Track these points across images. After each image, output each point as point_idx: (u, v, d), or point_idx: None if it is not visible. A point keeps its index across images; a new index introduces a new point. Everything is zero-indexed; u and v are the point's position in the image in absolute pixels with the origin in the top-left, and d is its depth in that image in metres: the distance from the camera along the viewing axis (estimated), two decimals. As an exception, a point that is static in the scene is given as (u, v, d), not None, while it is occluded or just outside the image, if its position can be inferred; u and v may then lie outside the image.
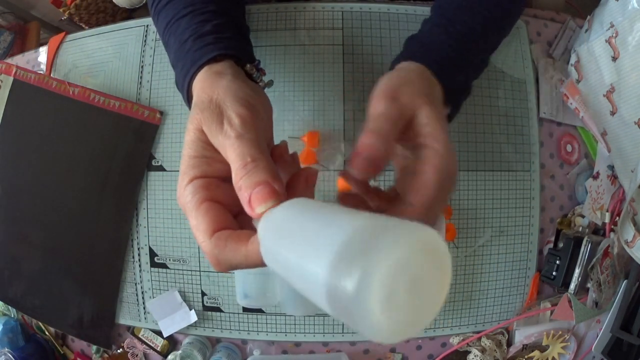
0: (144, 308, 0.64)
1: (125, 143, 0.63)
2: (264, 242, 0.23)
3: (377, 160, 0.32)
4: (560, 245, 0.62)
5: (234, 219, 0.32)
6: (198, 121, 0.33)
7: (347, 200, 0.34)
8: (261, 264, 0.27)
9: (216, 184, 0.33)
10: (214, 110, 0.33)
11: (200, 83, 0.38)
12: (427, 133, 0.33)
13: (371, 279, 0.16)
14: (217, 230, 0.30)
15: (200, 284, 0.62)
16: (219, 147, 0.32)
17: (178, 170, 0.62)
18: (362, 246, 0.16)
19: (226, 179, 0.33)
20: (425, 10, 0.61)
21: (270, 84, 0.48)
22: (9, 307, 0.73)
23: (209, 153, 0.33)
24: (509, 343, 0.63)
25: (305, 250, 0.18)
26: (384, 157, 0.32)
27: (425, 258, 0.17)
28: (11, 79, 0.68)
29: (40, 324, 0.70)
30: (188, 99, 0.40)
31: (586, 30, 0.62)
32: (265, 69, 0.60)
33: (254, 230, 0.28)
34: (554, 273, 0.61)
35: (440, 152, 0.32)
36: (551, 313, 0.61)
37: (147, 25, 0.65)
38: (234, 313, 0.62)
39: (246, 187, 0.29)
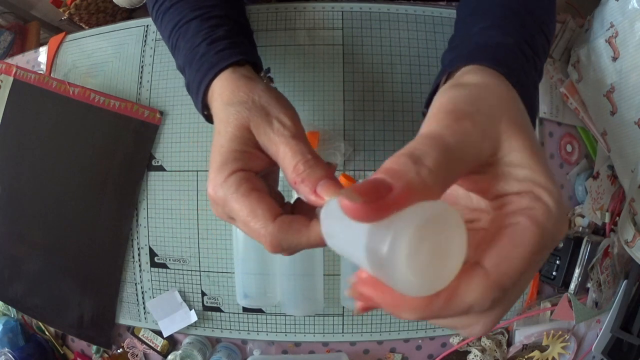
0: (144, 308, 0.64)
1: (125, 143, 0.63)
2: (325, 223, 0.26)
3: (396, 190, 0.20)
4: (560, 245, 0.62)
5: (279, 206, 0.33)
6: (244, 118, 0.35)
7: None
8: (322, 243, 0.29)
9: (255, 178, 0.34)
10: (261, 111, 0.35)
11: (229, 84, 0.38)
12: (524, 177, 0.23)
13: (398, 242, 0.19)
14: (276, 216, 0.31)
15: (200, 284, 0.62)
16: (267, 144, 0.34)
17: (178, 170, 0.62)
18: (390, 219, 0.20)
19: (261, 175, 0.35)
20: (425, 11, 0.61)
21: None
22: (9, 307, 0.73)
23: (249, 149, 0.35)
24: (509, 343, 0.63)
25: (353, 226, 0.21)
26: (416, 190, 0.21)
27: (440, 225, 0.20)
28: (11, 79, 0.68)
29: (40, 324, 0.70)
30: (203, 102, 0.41)
31: (586, 30, 0.62)
32: (265, 69, 0.60)
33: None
34: (554, 273, 0.61)
35: (548, 204, 0.22)
36: (551, 313, 0.61)
37: (147, 25, 0.65)
38: (234, 313, 0.62)
39: (310, 180, 0.31)
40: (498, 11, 0.40)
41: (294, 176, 0.32)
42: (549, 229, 0.22)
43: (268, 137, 0.34)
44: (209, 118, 0.41)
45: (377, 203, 0.20)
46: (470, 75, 0.30)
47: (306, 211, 0.34)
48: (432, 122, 0.24)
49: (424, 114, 0.29)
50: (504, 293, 0.21)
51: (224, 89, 0.38)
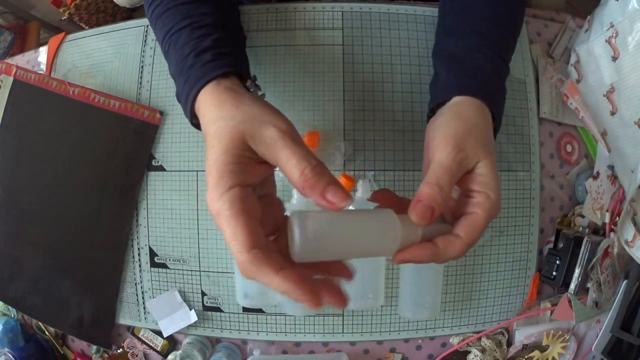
0: (144, 308, 0.64)
1: (125, 143, 0.63)
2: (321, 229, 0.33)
3: (436, 209, 0.36)
4: (560, 245, 0.62)
5: (263, 234, 0.34)
6: (237, 130, 0.35)
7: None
8: (287, 293, 0.31)
9: (250, 195, 0.35)
10: (254, 119, 0.36)
11: (214, 99, 0.39)
12: (484, 183, 0.39)
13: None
14: (254, 247, 0.32)
15: (200, 284, 0.62)
16: (266, 151, 0.35)
17: (178, 170, 0.62)
18: None
19: (256, 186, 0.36)
20: (425, 11, 0.61)
21: (263, 97, 0.49)
22: (9, 307, 0.73)
23: (245, 160, 0.35)
24: (509, 343, 0.63)
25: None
26: (442, 205, 0.37)
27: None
28: (11, 79, 0.68)
29: (40, 324, 0.70)
30: (191, 113, 0.42)
31: (586, 30, 0.62)
32: (265, 69, 0.60)
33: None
34: (554, 273, 0.61)
35: (493, 200, 0.38)
36: (551, 313, 0.61)
37: (147, 25, 0.65)
38: (234, 313, 0.62)
39: (319, 186, 0.33)
40: (478, 26, 0.49)
41: (301, 182, 0.34)
42: (492, 213, 0.39)
43: (266, 144, 0.35)
44: (197, 126, 0.42)
45: (429, 218, 0.36)
46: (463, 107, 0.43)
47: None
48: (443, 154, 0.38)
49: (429, 117, 0.46)
50: (470, 247, 0.39)
51: (210, 104, 0.39)
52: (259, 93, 0.46)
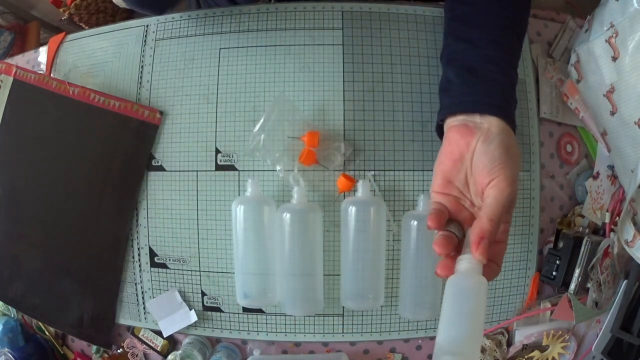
0: (144, 308, 0.64)
1: (125, 143, 0.63)
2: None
3: (492, 240, 0.40)
4: (560, 245, 0.62)
5: None
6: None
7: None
8: None
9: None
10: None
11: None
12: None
13: None
14: None
15: (200, 284, 0.62)
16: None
17: (178, 170, 0.62)
18: None
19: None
20: (425, 11, 0.61)
21: None
22: (9, 307, 0.73)
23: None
24: (509, 343, 0.63)
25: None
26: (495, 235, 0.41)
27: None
28: (11, 79, 0.68)
29: (40, 324, 0.70)
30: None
31: (586, 30, 0.62)
32: (266, 69, 0.60)
33: None
34: (554, 273, 0.61)
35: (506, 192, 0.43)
36: (551, 313, 0.61)
37: (147, 25, 0.65)
38: (234, 313, 0.62)
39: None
40: (491, 34, 0.50)
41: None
42: (500, 200, 0.42)
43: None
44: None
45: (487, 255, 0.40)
46: (506, 138, 0.46)
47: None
48: (499, 192, 0.42)
49: (439, 127, 0.51)
50: (498, 223, 0.41)
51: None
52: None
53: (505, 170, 0.43)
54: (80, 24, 1.33)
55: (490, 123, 0.46)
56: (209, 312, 0.62)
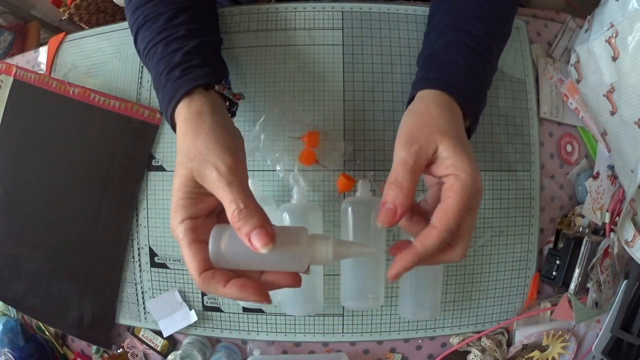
0: (144, 308, 0.64)
1: (125, 143, 0.63)
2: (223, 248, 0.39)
3: (399, 207, 0.38)
4: (560, 245, 0.62)
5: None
6: (188, 169, 0.40)
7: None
8: (234, 298, 0.39)
9: (202, 223, 0.40)
10: (202, 159, 0.39)
11: (182, 125, 0.43)
12: (449, 165, 0.39)
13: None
14: (203, 270, 0.38)
15: (200, 284, 0.62)
16: (211, 189, 0.39)
17: (178, 170, 0.62)
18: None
19: (211, 211, 0.42)
20: (425, 11, 0.61)
21: (241, 96, 0.52)
22: (9, 307, 0.73)
23: (195, 195, 0.40)
24: (509, 343, 0.63)
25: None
26: (406, 202, 0.38)
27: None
28: (11, 79, 0.68)
29: (40, 324, 0.70)
30: (172, 126, 0.47)
31: (586, 30, 0.62)
32: (265, 69, 0.60)
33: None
34: (554, 273, 0.61)
35: (463, 178, 0.38)
36: (551, 313, 0.61)
37: (147, 25, 0.65)
38: (234, 313, 0.62)
39: (244, 230, 0.37)
40: (459, 23, 0.49)
41: (232, 222, 0.38)
42: (466, 192, 0.38)
43: (209, 182, 0.39)
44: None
45: (393, 219, 0.38)
46: (417, 102, 0.45)
47: None
48: (397, 151, 0.40)
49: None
50: (450, 233, 0.38)
51: (178, 131, 0.44)
52: (231, 94, 0.49)
53: (399, 130, 0.42)
54: (80, 24, 1.33)
55: (418, 95, 0.46)
56: (209, 312, 0.62)
